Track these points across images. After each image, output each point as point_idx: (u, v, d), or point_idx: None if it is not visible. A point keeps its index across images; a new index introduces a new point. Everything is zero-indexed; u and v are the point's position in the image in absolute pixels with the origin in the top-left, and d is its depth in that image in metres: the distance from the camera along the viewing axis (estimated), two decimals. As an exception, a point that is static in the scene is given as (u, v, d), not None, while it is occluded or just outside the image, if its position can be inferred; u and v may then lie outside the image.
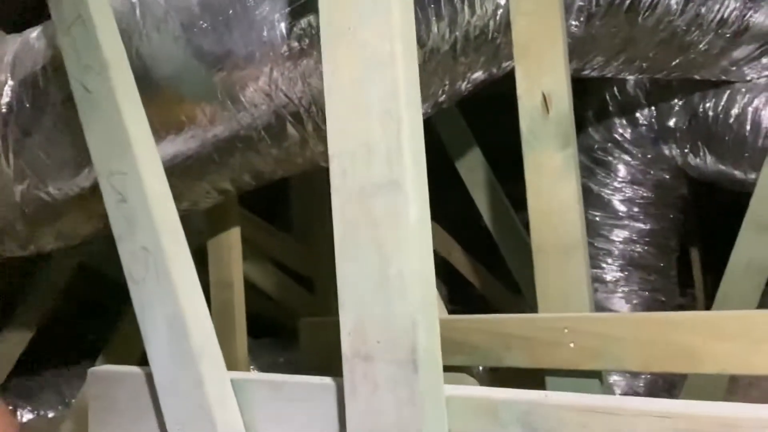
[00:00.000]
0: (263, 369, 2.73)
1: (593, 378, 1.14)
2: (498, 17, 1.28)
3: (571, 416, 0.54)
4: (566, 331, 1.11)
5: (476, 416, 0.60)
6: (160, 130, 1.18)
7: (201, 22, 1.11)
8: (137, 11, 1.10)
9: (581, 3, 1.40)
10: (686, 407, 0.50)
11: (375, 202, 0.62)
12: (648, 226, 2.23)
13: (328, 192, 0.67)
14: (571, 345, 1.11)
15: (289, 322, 3.05)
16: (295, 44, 1.14)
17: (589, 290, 1.16)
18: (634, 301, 2.20)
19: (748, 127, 1.82)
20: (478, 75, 1.39)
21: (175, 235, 0.84)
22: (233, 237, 1.69)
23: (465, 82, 1.38)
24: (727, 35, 1.59)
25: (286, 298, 2.59)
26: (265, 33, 1.13)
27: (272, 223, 2.87)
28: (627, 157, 2.23)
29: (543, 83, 1.20)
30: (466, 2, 1.22)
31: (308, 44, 1.15)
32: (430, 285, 0.62)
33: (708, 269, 3.70)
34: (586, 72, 1.65)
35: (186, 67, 1.13)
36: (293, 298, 2.60)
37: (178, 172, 1.25)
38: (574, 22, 1.41)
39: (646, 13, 1.46)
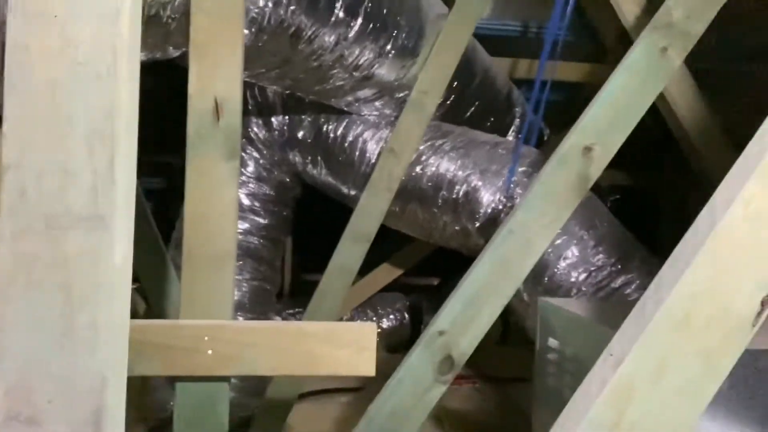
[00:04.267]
0: None
1: (223, 382, 1.20)
2: (177, 3, 1.20)
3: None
4: (207, 338, 1.14)
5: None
6: None
7: None
8: None
9: (254, 15, 1.44)
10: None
11: (68, 237, 0.52)
12: (266, 221, 2.43)
13: None
14: (210, 352, 1.14)
15: None
16: None
17: (232, 299, 1.22)
18: (244, 289, 2.37)
19: (357, 154, 2.21)
20: (141, 57, 1.26)
21: None
22: None
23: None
24: (358, 78, 1.90)
25: None
26: None
27: None
28: (257, 155, 2.39)
29: (217, 89, 1.18)
30: (146, -22, 1.10)
31: None
32: (125, 337, 0.56)
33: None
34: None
35: None
36: None
37: None
38: (245, 32, 1.43)
39: (306, 43, 1.60)
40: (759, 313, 0.58)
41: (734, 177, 0.61)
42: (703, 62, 2.05)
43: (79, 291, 0.53)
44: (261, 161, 2.39)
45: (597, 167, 1.27)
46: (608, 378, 0.59)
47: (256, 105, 2.31)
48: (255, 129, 2.34)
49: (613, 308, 1.37)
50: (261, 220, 2.41)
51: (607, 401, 0.58)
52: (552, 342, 1.25)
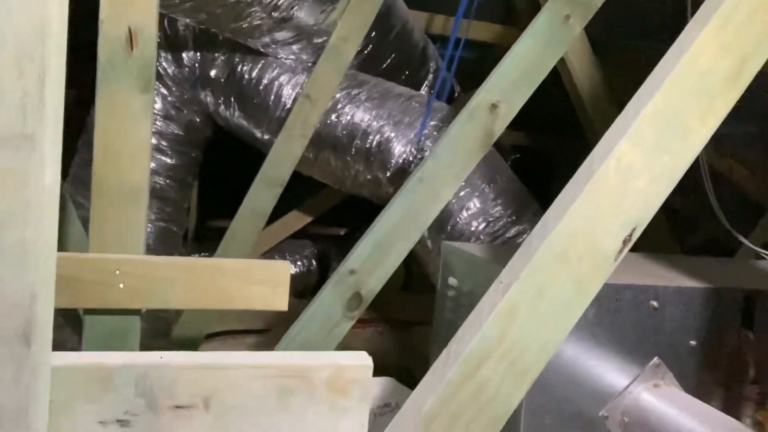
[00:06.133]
0: None
1: (134, 315, 1.21)
2: None
3: (185, 374, 0.63)
4: (118, 272, 1.14)
5: (88, 384, 0.60)
6: None
7: None
8: None
9: (171, -59, 1.37)
10: (274, 359, 0.67)
11: (-6, 156, 0.52)
12: (173, 161, 2.37)
13: None
14: (121, 286, 1.14)
15: None
16: None
17: (144, 235, 1.21)
18: (149, 230, 2.31)
19: (272, 97, 2.19)
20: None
21: None
22: None
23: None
24: (276, 18, 1.87)
25: None
26: None
27: None
28: (165, 92, 2.29)
29: (131, 16, 1.14)
30: None
31: None
32: (53, 256, 0.57)
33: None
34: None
35: None
36: None
37: None
38: (161, -42, 1.36)
39: (225, -24, 1.55)
40: (620, 250, 0.70)
41: (611, 135, 0.72)
42: (602, 36, 2.22)
43: (6, 209, 0.53)
44: (170, 98, 2.30)
45: (501, 123, 1.38)
46: (497, 302, 0.69)
47: (165, 38, 2.20)
48: (164, 64, 2.24)
49: (507, 251, 1.51)
50: (168, 160, 2.34)
51: (495, 321, 0.68)
52: (451, 280, 1.37)
